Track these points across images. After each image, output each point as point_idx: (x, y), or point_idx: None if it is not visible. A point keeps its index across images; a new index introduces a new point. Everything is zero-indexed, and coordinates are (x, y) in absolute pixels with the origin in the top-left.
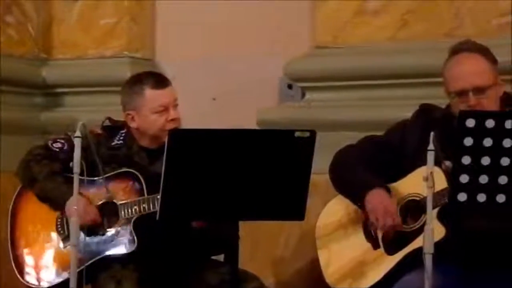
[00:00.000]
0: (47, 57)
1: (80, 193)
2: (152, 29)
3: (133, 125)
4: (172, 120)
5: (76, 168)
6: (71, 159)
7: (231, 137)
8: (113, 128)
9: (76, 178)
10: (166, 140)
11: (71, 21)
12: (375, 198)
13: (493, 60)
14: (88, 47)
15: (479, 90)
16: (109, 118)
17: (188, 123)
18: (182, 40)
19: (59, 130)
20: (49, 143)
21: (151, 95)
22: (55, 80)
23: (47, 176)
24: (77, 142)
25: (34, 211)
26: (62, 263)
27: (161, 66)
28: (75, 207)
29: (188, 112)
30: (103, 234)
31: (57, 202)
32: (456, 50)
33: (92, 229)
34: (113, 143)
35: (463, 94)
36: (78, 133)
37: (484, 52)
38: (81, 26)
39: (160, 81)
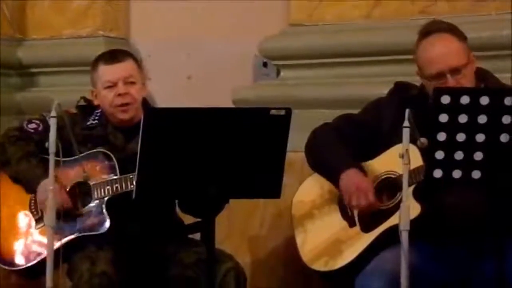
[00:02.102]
0: (22, 38)
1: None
2: (127, 8)
3: (96, 102)
4: (120, 95)
5: (52, 148)
6: (46, 139)
7: (207, 115)
8: (88, 107)
9: (51, 158)
10: (141, 118)
11: (46, 1)
12: (349, 178)
13: (463, 38)
14: (62, 27)
15: (455, 71)
16: (84, 98)
17: (163, 102)
18: (156, 19)
19: (34, 110)
20: (24, 124)
21: (102, 70)
22: (30, 60)
23: (21, 158)
24: (53, 122)
25: (6, 192)
26: (36, 244)
27: (136, 46)
28: (51, 187)
29: (163, 91)
30: (77, 216)
31: (29, 185)
32: (426, 32)
33: (65, 212)
34: (88, 123)
35: (440, 76)
36: (53, 113)
37: (454, 31)
38: (56, 6)
39: (113, 56)
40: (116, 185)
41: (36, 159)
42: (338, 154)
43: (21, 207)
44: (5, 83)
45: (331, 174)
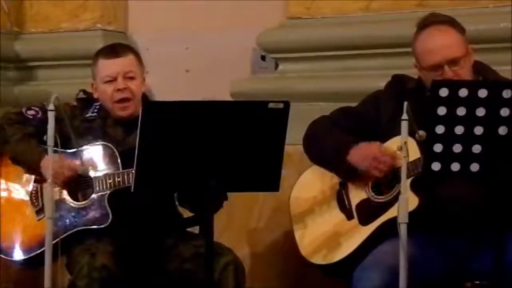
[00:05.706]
0: (20, 31)
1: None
2: (125, 1)
3: (95, 95)
4: (119, 90)
5: (51, 142)
6: (44, 127)
7: (205, 109)
8: (87, 100)
9: (50, 151)
10: (139, 112)
11: None
12: (358, 152)
13: (461, 30)
14: (60, 20)
15: (453, 62)
16: (84, 91)
17: (161, 95)
18: (155, 12)
19: (32, 104)
20: (23, 110)
21: (101, 65)
22: (28, 53)
23: (20, 138)
24: (51, 115)
25: (5, 180)
26: (35, 235)
27: (134, 39)
28: (49, 180)
29: (161, 84)
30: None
31: (29, 165)
32: (424, 24)
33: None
34: (87, 115)
35: (438, 67)
36: (51, 107)
37: (453, 23)
38: None
39: (113, 51)
40: (118, 179)
41: (35, 140)
42: (338, 140)
43: (21, 197)
44: (3, 76)
45: (334, 161)
